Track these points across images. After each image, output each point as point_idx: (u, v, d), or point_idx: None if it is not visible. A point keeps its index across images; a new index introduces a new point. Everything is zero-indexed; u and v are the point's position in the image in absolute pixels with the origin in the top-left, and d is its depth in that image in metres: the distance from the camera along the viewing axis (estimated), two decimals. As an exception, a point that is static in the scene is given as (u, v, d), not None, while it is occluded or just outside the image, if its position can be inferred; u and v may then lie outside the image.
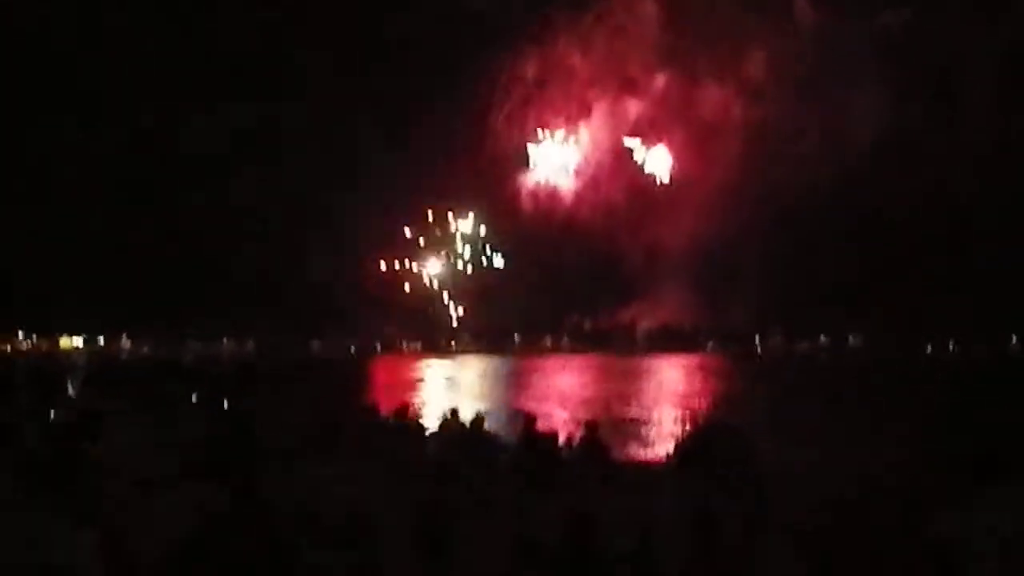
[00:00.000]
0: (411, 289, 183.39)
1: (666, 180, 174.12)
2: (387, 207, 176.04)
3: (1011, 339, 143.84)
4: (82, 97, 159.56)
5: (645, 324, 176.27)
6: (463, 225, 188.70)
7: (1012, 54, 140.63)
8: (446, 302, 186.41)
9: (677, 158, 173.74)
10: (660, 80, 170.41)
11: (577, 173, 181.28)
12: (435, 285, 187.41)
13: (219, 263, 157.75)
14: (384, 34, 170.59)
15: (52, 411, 15.96)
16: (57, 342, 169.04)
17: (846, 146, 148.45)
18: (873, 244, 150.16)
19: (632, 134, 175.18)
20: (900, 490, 9.88)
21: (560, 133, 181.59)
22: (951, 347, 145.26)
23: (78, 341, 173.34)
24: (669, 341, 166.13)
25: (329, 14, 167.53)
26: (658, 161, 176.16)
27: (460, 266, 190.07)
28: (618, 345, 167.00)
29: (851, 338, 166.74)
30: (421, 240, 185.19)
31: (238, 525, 7.45)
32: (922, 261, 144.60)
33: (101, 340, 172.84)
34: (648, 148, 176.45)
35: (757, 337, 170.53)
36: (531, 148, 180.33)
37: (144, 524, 8.09)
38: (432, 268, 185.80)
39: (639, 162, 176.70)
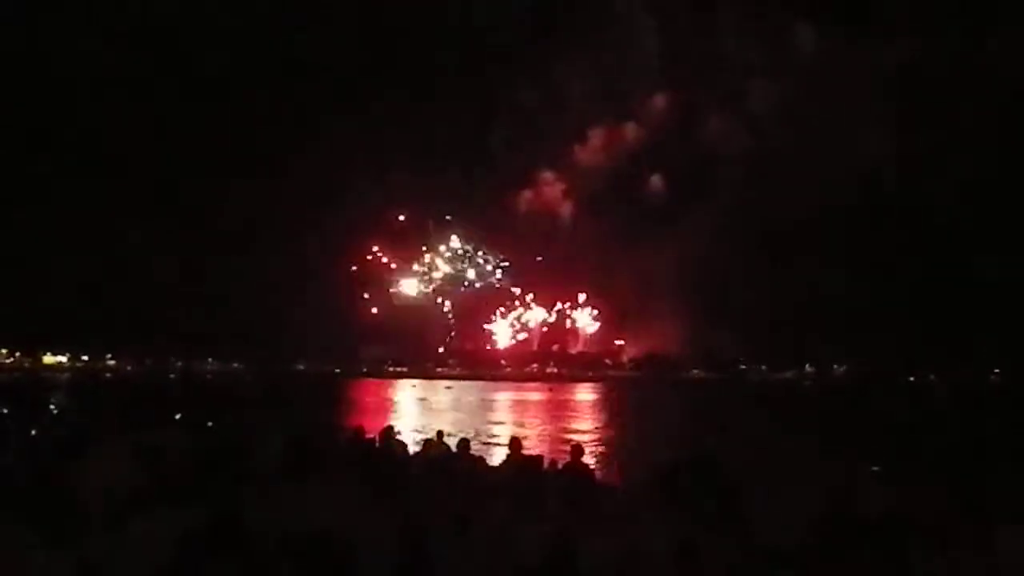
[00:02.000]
0: (399, 311, 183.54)
1: (660, 207, 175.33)
2: (377, 226, 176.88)
3: (992, 371, 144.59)
4: (76, 123, 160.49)
5: (631, 350, 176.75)
6: (456, 247, 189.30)
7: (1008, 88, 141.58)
8: (433, 326, 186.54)
9: (672, 187, 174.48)
10: (658, 107, 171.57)
11: (571, 199, 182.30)
12: (426, 306, 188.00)
13: (205, 284, 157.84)
14: (382, 57, 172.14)
15: (33, 429, 15.80)
16: (40, 359, 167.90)
17: (842, 178, 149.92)
18: (862, 275, 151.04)
19: (629, 159, 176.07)
20: (883, 523, 9.86)
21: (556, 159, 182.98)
22: (933, 377, 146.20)
23: (62, 358, 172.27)
24: (655, 367, 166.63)
25: (333, 30, 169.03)
26: (653, 188, 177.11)
27: (451, 288, 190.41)
28: (604, 371, 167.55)
29: (835, 367, 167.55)
30: (416, 261, 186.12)
31: (217, 549, 7.37)
32: (910, 293, 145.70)
33: (85, 357, 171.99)
34: (645, 174, 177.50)
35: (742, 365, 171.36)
36: (527, 176, 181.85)
37: (122, 549, 8.00)
38: (409, 289, 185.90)
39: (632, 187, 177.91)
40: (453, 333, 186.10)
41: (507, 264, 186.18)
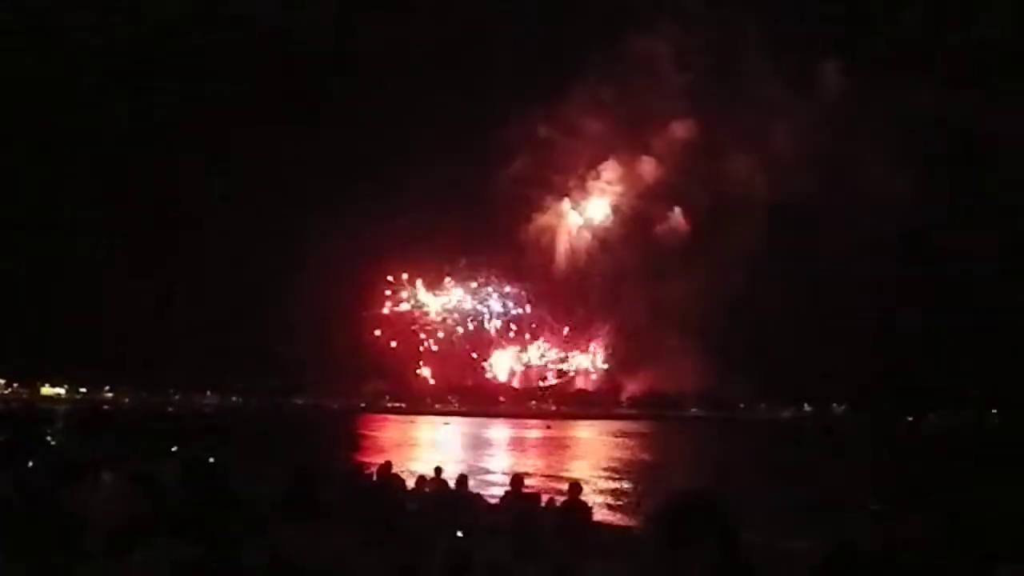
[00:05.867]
0: (398, 348, 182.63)
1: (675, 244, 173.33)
2: (381, 261, 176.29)
3: (990, 411, 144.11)
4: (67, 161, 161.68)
5: (630, 388, 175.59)
6: (461, 284, 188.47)
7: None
8: (421, 368, 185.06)
9: (689, 225, 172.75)
10: (677, 141, 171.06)
11: (583, 232, 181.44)
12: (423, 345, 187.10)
13: (205, 315, 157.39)
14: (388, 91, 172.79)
15: (29, 460, 15.73)
16: (39, 390, 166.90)
17: (857, 223, 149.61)
18: (866, 318, 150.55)
19: (646, 196, 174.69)
20: (882, 561, 9.80)
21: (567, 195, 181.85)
22: (931, 417, 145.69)
23: (60, 390, 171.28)
24: (653, 405, 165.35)
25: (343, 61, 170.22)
26: (671, 224, 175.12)
27: (454, 322, 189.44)
28: (603, 408, 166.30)
29: (835, 406, 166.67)
30: (415, 297, 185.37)
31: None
32: (913, 335, 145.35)
33: (83, 389, 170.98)
34: (662, 212, 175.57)
35: (741, 404, 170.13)
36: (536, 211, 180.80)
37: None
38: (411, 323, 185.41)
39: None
40: (429, 369, 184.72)
41: (513, 299, 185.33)
